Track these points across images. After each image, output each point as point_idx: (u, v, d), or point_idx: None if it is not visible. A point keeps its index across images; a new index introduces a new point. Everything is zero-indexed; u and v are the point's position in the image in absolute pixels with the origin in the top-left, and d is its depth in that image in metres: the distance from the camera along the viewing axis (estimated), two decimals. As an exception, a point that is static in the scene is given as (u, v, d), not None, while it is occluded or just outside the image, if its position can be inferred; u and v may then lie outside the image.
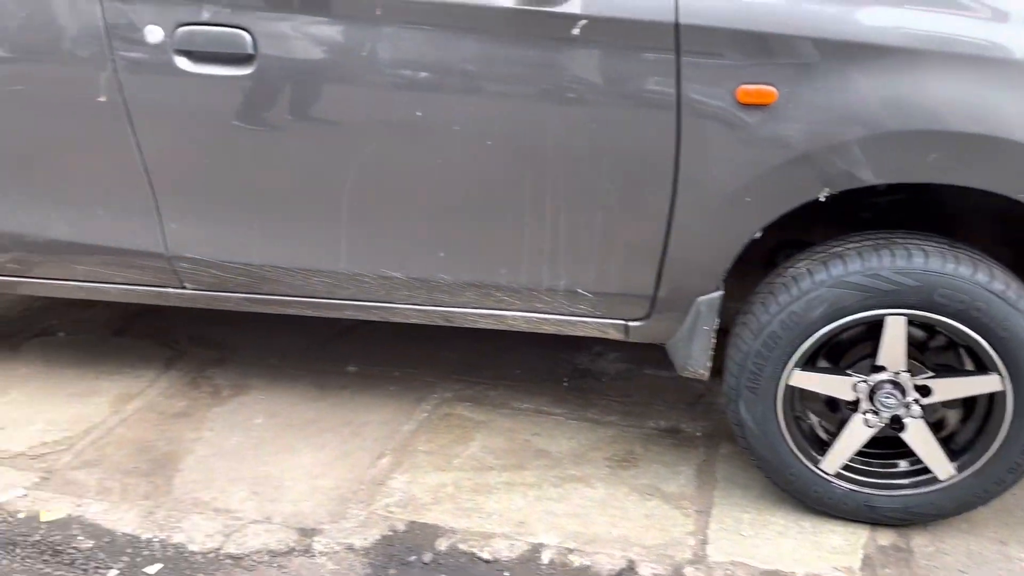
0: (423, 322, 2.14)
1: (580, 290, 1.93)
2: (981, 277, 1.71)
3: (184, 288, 2.19)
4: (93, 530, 1.96)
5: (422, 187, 1.92)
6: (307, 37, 1.85)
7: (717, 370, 2.00)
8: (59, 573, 1.84)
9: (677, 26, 1.66)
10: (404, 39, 1.81)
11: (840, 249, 1.79)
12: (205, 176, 2.02)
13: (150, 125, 1.97)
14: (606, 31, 1.70)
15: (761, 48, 1.66)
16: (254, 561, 1.89)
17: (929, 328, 1.85)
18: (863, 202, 1.88)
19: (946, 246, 1.75)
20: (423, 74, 1.82)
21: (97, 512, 2.02)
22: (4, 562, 1.86)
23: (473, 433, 2.35)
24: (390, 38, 1.81)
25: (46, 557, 1.88)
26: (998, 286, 1.72)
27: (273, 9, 1.83)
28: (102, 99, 1.96)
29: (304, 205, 2.00)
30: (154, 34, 1.89)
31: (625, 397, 2.53)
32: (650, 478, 2.16)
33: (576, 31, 1.70)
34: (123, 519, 2.00)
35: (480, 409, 2.47)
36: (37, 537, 1.94)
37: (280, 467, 2.21)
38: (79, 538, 1.94)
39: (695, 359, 1.93)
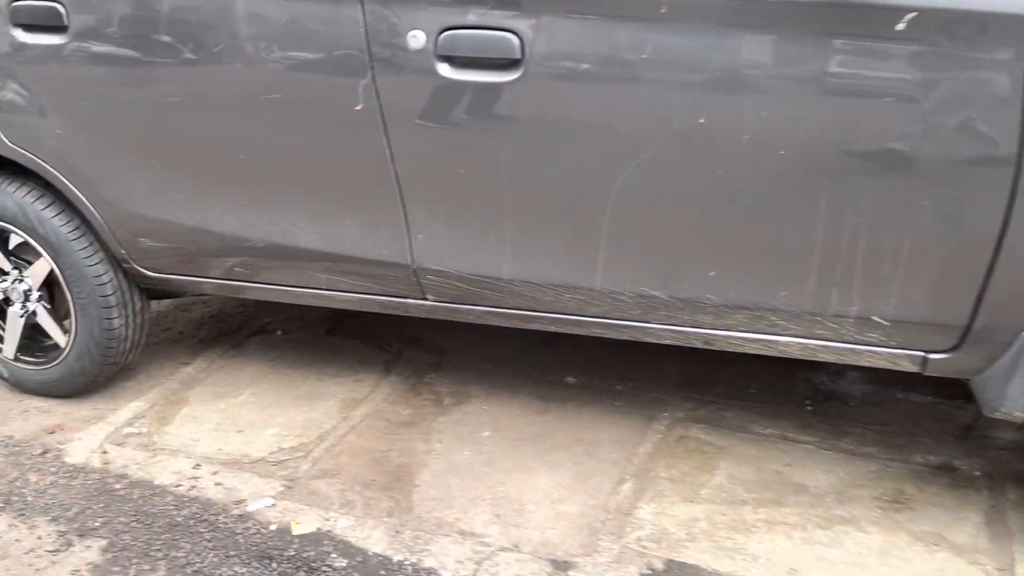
0: (677, 343, 1.99)
1: (875, 317, 1.72)
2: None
3: (425, 300, 2.12)
4: (344, 548, 1.93)
5: (697, 199, 1.76)
6: (580, 39, 1.71)
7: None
8: (316, 592, 1.81)
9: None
10: (689, 39, 1.64)
11: None
12: (457, 186, 1.93)
13: (405, 134, 1.90)
14: (938, 25, 1.48)
15: None
16: (510, 594, 1.80)
17: None
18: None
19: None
20: (709, 77, 1.65)
21: (345, 528, 1.99)
22: (261, 577, 1.85)
23: (716, 460, 2.19)
24: (674, 38, 1.65)
25: (302, 574, 1.86)
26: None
27: (546, 11, 1.71)
28: (358, 108, 1.90)
29: (563, 218, 1.88)
30: (417, 39, 1.80)
31: (881, 425, 2.30)
32: (931, 524, 1.93)
33: (901, 26, 1.49)
34: (371, 537, 1.96)
35: (717, 433, 2.30)
36: (291, 552, 1.92)
37: (517, 487, 2.12)
38: (332, 555, 1.90)
39: (1012, 399, 1.68)
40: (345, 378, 2.64)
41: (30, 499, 2.14)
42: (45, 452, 2.34)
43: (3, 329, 2.60)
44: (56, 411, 2.53)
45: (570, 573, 1.84)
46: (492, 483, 2.13)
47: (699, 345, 1.96)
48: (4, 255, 2.48)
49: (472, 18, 1.75)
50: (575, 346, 2.71)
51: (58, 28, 2.09)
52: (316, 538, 1.96)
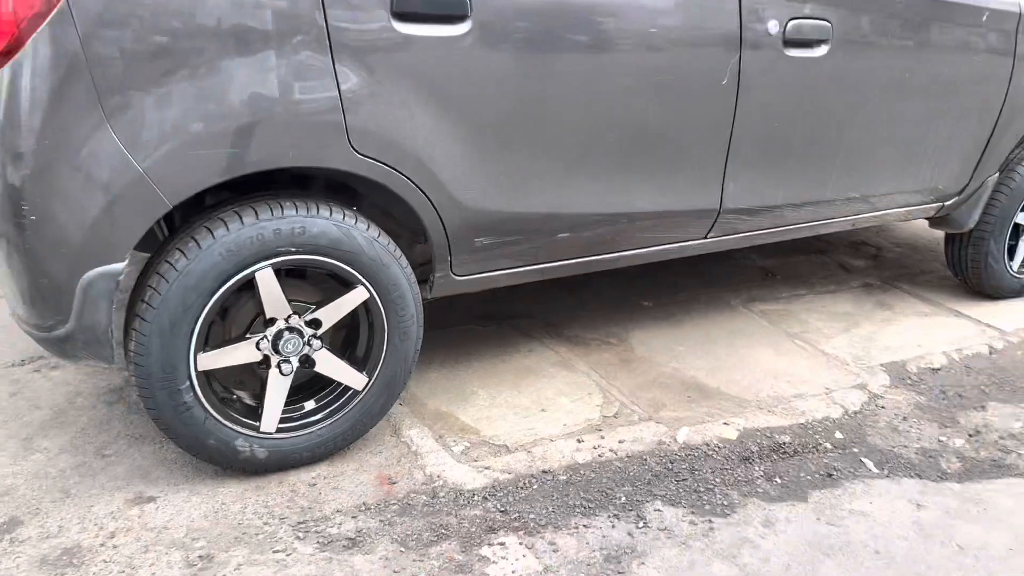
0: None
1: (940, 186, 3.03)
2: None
3: (707, 238, 2.64)
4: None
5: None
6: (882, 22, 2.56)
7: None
8: None
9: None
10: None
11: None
12: (769, 141, 2.55)
13: (749, 101, 2.44)
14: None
15: None
16: None
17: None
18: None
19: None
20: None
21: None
22: None
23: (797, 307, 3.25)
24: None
25: (789, 450, 2.35)
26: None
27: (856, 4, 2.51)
28: (724, 82, 2.37)
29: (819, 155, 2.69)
30: (774, 26, 2.39)
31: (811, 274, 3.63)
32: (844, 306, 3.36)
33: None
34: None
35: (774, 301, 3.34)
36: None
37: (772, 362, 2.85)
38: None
39: (969, 218, 3.19)
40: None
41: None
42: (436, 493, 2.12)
43: (256, 399, 2.11)
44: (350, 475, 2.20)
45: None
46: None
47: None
48: (273, 298, 2.01)
49: (807, 10, 2.44)
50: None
51: (458, 17, 1.97)
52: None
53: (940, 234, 3.47)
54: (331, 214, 2.00)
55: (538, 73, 2.12)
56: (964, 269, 3.37)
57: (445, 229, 2.16)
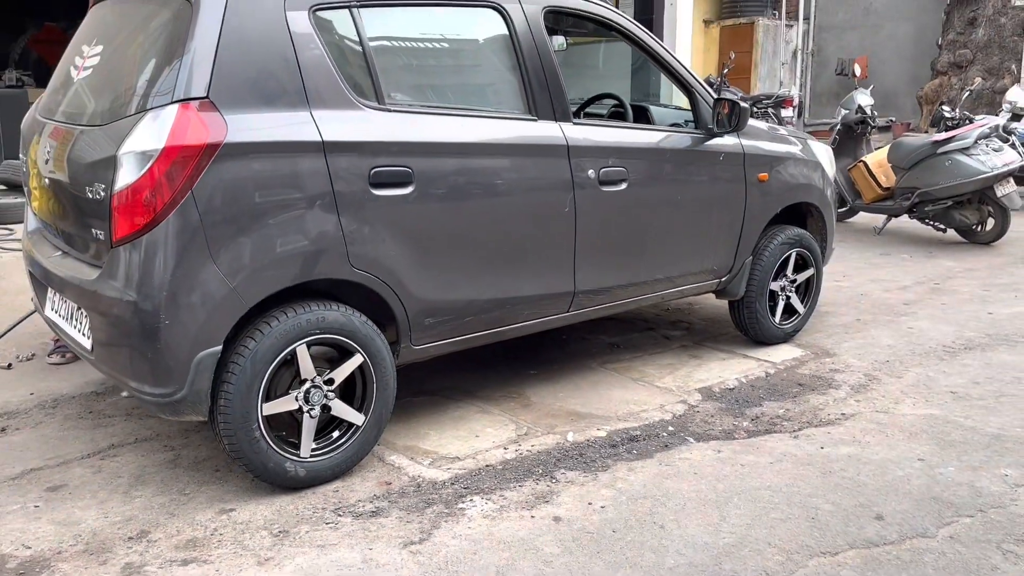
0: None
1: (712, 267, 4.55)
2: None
3: (568, 312, 3.97)
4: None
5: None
6: (659, 166, 4.07)
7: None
8: None
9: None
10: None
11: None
12: (603, 242, 3.95)
13: (583, 217, 3.83)
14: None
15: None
16: None
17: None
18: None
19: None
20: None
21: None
22: None
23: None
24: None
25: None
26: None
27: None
28: (566, 209, 3.77)
29: (632, 252, 4.13)
30: (591, 173, 3.84)
31: (666, 340, 5.07)
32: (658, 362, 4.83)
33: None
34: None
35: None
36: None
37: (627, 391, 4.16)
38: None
39: (738, 288, 4.72)
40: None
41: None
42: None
43: (296, 437, 3.19)
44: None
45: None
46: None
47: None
48: (306, 364, 3.14)
49: (610, 163, 3.91)
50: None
51: (406, 183, 3.28)
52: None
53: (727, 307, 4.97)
54: (338, 308, 3.18)
55: (454, 211, 3.43)
56: (744, 325, 4.87)
57: (407, 313, 3.37)
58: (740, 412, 3.95)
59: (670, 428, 3.75)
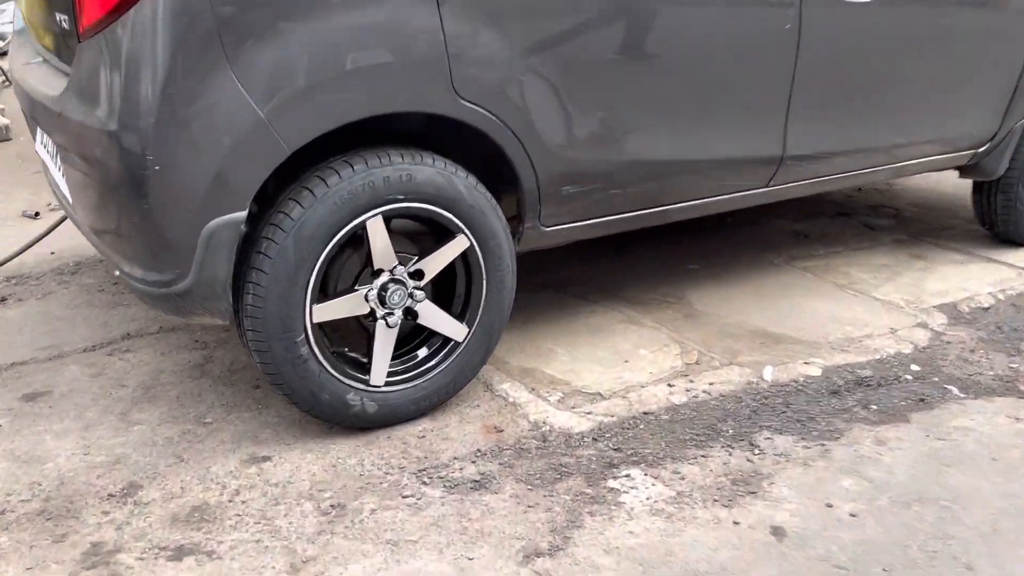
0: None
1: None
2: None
3: (768, 186, 2.70)
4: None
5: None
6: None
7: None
8: None
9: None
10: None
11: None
12: (832, 83, 2.61)
13: (810, 41, 2.50)
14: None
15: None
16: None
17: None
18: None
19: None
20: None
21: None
22: None
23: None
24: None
25: (874, 381, 2.40)
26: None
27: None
28: (788, 26, 2.44)
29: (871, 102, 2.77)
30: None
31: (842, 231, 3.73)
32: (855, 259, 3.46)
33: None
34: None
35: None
36: (854, 374, 2.42)
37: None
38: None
39: (1000, 165, 3.30)
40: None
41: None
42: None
43: (363, 355, 2.10)
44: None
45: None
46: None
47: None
48: (382, 247, 2.01)
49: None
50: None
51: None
52: (844, 363, 2.49)
53: (952, 192, 3.57)
54: (434, 162, 2.01)
55: (625, 22, 2.16)
56: (992, 217, 3.48)
57: (537, 177, 2.18)
58: (1015, 347, 2.66)
59: (914, 367, 2.51)
